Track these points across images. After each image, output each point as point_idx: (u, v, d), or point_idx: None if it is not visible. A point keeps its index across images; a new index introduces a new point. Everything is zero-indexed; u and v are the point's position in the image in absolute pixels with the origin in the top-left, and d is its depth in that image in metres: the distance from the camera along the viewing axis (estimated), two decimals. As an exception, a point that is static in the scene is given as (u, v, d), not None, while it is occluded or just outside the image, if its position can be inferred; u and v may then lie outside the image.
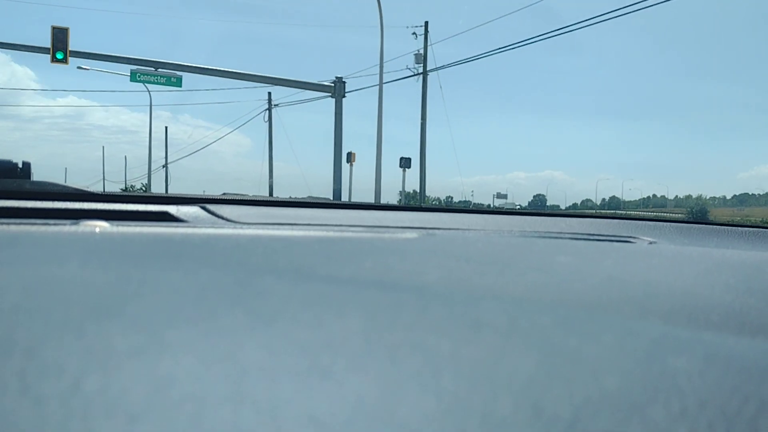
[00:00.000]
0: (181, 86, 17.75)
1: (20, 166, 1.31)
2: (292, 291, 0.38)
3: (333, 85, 18.52)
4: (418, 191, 22.41)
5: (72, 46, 14.92)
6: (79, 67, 22.10)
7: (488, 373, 0.27)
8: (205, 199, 1.10)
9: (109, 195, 1.07)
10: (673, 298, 0.48)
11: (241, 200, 1.20)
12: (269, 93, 27.18)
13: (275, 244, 0.67)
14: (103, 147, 61.02)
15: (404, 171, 20.99)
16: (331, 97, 18.48)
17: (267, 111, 27.57)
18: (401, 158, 20.97)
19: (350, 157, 19.61)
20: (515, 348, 0.30)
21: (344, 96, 18.57)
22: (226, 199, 1.16)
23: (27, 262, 0.43)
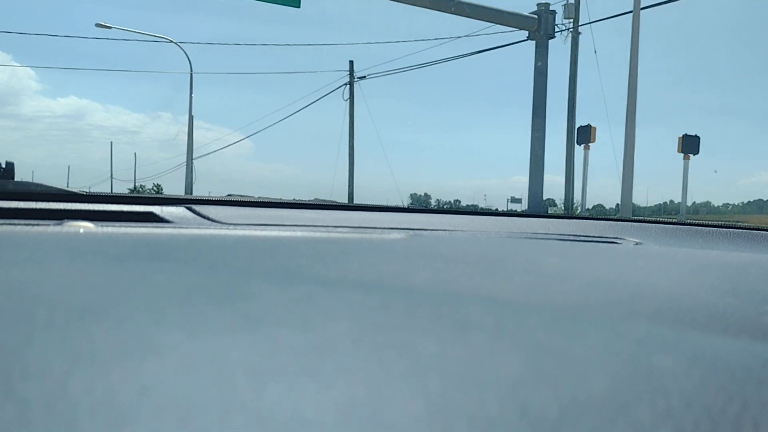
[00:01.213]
0: (299, 6, 10.52)
1: (3, 166, 1.29)
2: (279, 292, 0.38)
3: (537, 17, 11.29)
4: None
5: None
6: (98, 25, 18.44)
7: (475, 374, 0.27)
8: (190, 199, 1.09)
9: (94, 195, 1.06)
10: (659, 298, 0.49)
11: (227, 201, 1.19)
12: (351, 62, 20.72)
13: (261, 245, 0.67)
14: (111, 143, 55.19)
15: (687, 160, 11.88)
16: (529, 38, 11.55)
17: (347, 85, 20.60)
18: (684, 136, 11.88)
19: (589, 134, 11.34)
20: (502, 349, 0.30)
21: (553, 36, 11.43)
22: (212, 200, 1.15)
23: (10, 263, 0.43)
